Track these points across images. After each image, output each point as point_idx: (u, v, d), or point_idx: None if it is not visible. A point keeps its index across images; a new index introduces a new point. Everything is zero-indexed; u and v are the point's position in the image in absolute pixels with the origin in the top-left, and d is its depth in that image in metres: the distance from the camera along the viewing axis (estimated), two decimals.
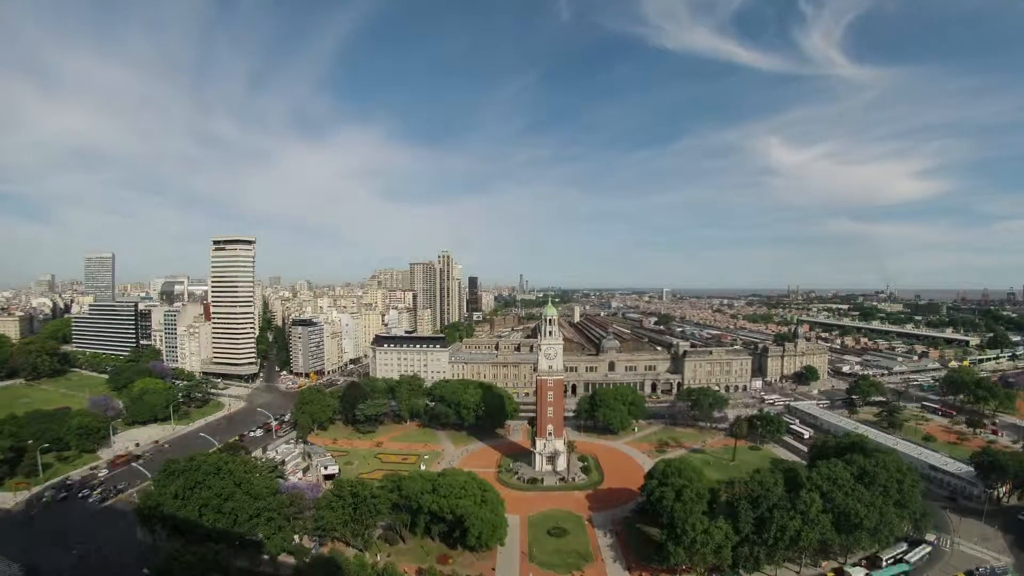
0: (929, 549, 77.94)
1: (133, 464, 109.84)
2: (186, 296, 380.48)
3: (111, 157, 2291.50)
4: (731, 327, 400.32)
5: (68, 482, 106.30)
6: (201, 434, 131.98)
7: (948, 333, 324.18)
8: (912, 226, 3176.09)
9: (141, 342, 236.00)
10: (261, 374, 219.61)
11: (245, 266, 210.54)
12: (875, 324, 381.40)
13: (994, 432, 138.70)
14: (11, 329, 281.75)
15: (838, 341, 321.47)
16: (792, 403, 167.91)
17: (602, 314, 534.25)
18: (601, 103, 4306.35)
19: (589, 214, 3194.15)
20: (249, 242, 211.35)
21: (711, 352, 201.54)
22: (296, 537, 79.40)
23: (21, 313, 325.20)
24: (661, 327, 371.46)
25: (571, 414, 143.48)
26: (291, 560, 74.34)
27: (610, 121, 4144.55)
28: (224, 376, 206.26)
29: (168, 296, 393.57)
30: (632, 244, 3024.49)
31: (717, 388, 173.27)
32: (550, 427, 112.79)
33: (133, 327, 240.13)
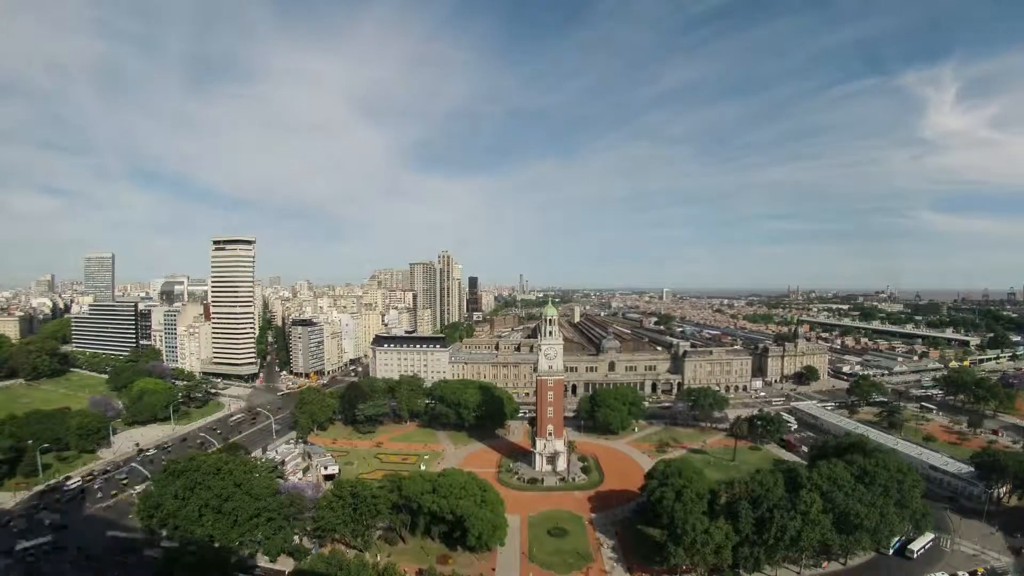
0: None
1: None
2: (186, 296, 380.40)
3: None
4: (731, 327, 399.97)
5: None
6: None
7: (948, 333, 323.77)
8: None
9: (141, 342, 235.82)
10: (261, 374, 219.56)
11: (245, 266, 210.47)
12: (875, 324, 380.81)
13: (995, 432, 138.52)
14: (11, 329, 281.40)
15: (838, 341, 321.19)
16: (792, 403, 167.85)
17: (602, 314, 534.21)
18: None
19: (673, 192, 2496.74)
20: (249, 242, 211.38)
21: (711, 352, 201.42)
22: (296, 538, 79.37)
23: (21, 313, 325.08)
24: (661, 327, 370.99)
25: (571, 414, 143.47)
26: (291, 560, 74.32)
27: (820, 30, 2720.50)
28: (224, 376, 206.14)
29: (168, 296, 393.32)
30: (679, 240, 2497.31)
31: (717, 388, 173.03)
32: (550, 427, 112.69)
33: (133, 327, 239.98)
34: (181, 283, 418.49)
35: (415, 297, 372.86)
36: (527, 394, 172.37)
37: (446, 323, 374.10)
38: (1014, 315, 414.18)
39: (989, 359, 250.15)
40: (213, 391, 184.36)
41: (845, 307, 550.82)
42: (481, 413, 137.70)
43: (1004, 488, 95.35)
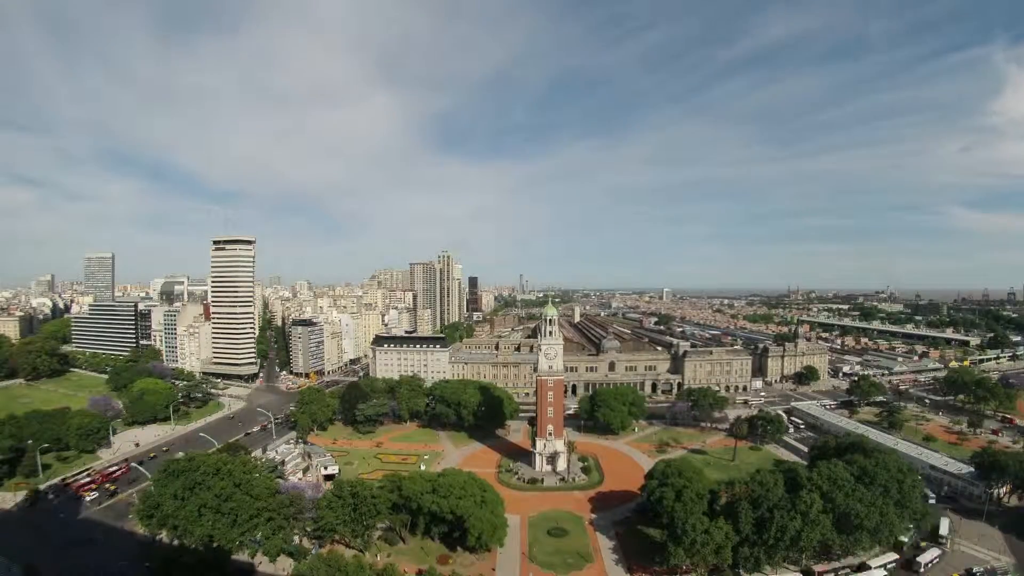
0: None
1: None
2: (186, 296, 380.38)
3: None
4: (731, 327, 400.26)
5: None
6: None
7: (948, 333, 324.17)
8: None
9: (141, 342, 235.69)
10: (261, 374, 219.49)
11: (245, 266, 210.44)
12: (875, 324, 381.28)
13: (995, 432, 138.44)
14: (11, 329, 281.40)
15: (838, 341, 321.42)
16: (793, 403, 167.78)
17: (602, 314, 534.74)
18: None
19: (705, 184, 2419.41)
20: (249, 242, 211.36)
21: (711, 352, 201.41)
22: (296, 538, 79.29)
23: (21, 313, 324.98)
24: (661, 327, 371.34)
25: (571, 414, 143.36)
26: (290, 561, 74.25)
27: None
28: (224, 376, 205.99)
29: (168, 296, 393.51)
30: (685, 238, 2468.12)
31: (717, 388, 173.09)
32: (550, 427, 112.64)
33: (133, 327, 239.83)
34: (181, 283, 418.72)
35: (415, 297, 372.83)
36: (527, 394, 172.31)
37: (446, 323, 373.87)
38: (1014, 315, 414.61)
39: (989, 359, 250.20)
40: (213, 391, 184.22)
41: (845, 307, 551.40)
42: (481, 413, 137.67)
43: (1004, 488, 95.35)
